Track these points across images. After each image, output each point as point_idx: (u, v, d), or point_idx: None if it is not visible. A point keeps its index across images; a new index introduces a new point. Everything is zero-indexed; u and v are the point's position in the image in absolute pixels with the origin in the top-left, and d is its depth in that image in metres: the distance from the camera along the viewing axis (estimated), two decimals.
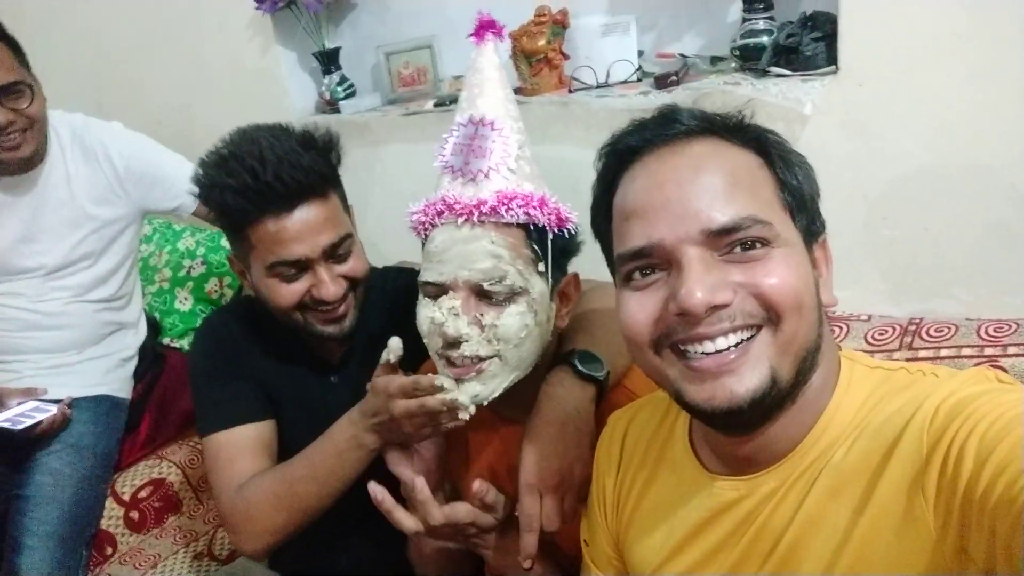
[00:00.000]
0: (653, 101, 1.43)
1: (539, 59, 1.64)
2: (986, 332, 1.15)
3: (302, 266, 1.13)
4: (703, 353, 0.66)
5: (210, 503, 1.88)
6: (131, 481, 1.80)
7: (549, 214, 0.94)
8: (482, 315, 0.92)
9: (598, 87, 1.57)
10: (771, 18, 1.38)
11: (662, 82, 1.45)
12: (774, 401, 0.66)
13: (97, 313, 1.82)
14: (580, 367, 0.98)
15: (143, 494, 1.80)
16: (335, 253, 1.15)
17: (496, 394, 0.96)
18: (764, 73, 1.35)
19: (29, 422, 1.60)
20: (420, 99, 1.89)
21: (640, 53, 1.59)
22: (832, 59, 1.28)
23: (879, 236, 1.31)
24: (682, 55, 1.55)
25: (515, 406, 1.03)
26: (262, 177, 1.07)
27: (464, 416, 0.95)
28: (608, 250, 0.77)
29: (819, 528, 0.67)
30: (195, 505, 1.88)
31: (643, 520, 0.84)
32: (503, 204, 0.92)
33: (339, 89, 2.01)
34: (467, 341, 0.92)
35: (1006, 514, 0.53)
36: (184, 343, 2.10)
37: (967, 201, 1.23)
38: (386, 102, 1.97)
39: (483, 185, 0.94)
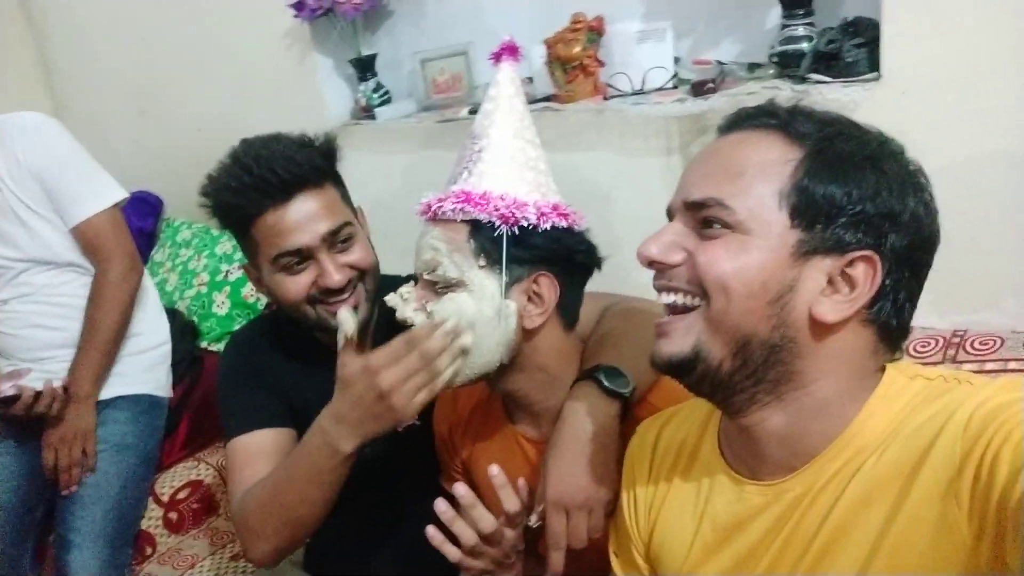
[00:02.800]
0: (689, 108, 1.42)
1: (574, 66, 1.64)
2: None
3: (304, 255, 1.16)
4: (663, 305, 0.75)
5: None
6: (170, 482, 1.84)
7: (495, 211, 0.95)
8: (427, 303, 0.99)
9: (633, 94, 1.56)
10: (811, 24, 1.36)
11: (698, 89, 1.43)
12: (713, 378, 0.72)
13: None
14: (605, 382, 0.97)
15: (182, 495, 1.84)
16: (336, 241, 1.18)
17: (456, 383, 0.99)
18: (803, 80, 1.33)
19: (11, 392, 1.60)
20: (455, 106, 1.90)
21: (676, 60, 1.57)
22: (874, 65, 1.26)
23: None
24: (719, 62, 1.53)
25: (539, 426, 1.03)
26: (255, 172, 1.12)
27: (467, 341, 0.95)
28: None
29: (850, 535, 0.67)
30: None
31: (674, 524, 0.84)
32: (440, 202, 0.99)
33: (374, 96, 2.02)
34: (412, 325, 0.98)
35: None
36: (221, 347, 2.13)
37: (1013, 211, 1.20)
38: (421, 109, 1.98)
39: (450, 188, 1.01)
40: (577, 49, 1.61)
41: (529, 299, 0.99)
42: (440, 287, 0.98)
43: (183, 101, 2.47)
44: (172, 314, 2.15)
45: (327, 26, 2.00)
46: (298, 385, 1.29)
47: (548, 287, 0.99)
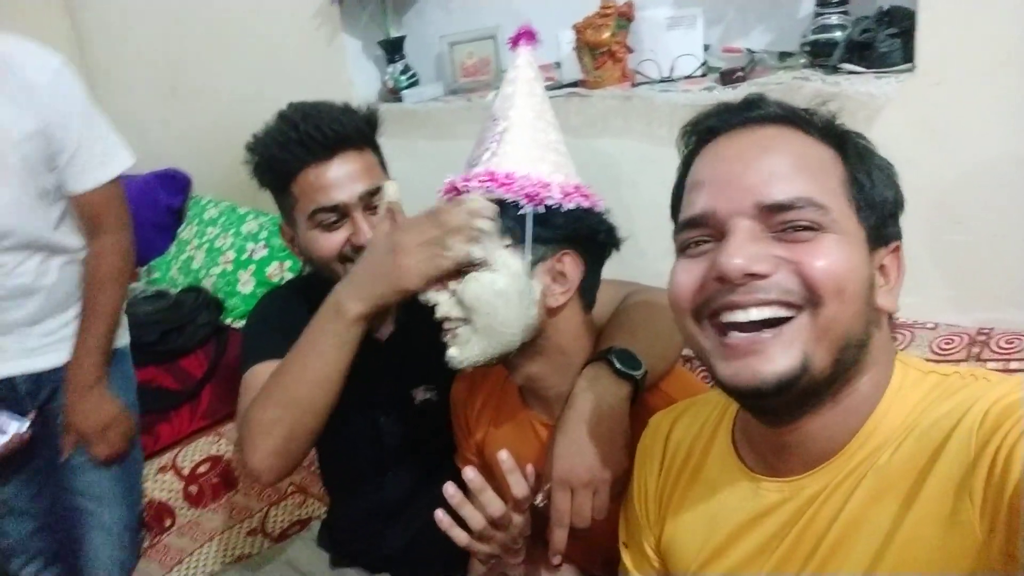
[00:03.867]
0: (717, 97, 1.40)
1: (603, 52, 1.62)
2: None
3: (341, 212, 1.19)
4: (734, 323, 0.67)
5: None
6: (191, 456, 1.86)
7: (520, 190, 0.96)
8: (451, 282, 0.98)
9: (661, 81, 1.55)
10: (845, 13, 1.33)
11: (727, 77, 1.42)
12: (806, 390, 0.66)
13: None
14: (617, 364, 0.97)
15: (202, 469, 1.86)
16: (371, 203, 1.21)
17: (478, 361, 0.99)
18: (835, 70, 1.31)
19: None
20: (482, 89, 1.89)
21: (706, 47, 1.55)
22: (908, 56, 1.23)
23: (947, 241, 1.26)
24: (749, 50, 1.51)
25: (552, 411, 1.04)
26: (302, 128, 1.17)
27: (485, 225, 0.94)
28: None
29: (861, 529, 0.66)
30: (249, 483, 1.93)
31: (685, 520, 0.83)
32: (466, 182, 0.99)
33: (402, 78, 2.02)
34: (437, 304, 0.98)
35: None
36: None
37: None
38: (448, 92, 1.98)
39: (472, 169, 1.01)
40: (606, 35, 1.60)
41: (553, 278, 0.99)
42: (464, 267, 0.98)
43: (213, 80, 2.49)
44: (197, 291, 2.19)
45: (357, 7, 2.01)
46: None
47: (572, 265, 1.00)
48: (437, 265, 0.97)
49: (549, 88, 1.73)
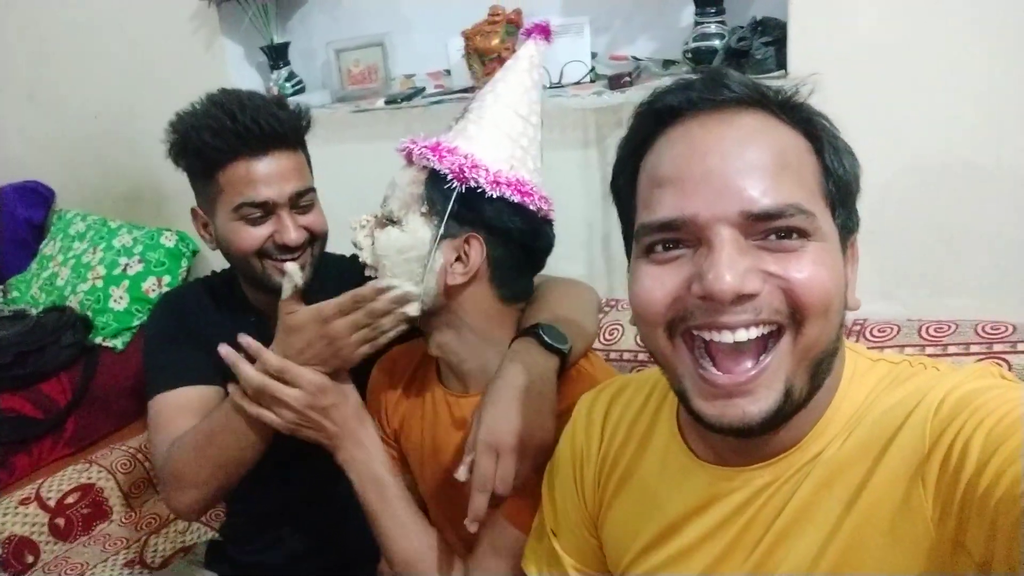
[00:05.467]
0: (608, 100, 1.44)
1: (492, 58, 1.63)
2: (927, 332, 1.18)
3: (268, 209, 1.17)
4: (713, 342, 0.62)
5: (142, 509, 1.81)
6: (58, 486, 1.72)
7: (451, 165, 0.98)
8: (374, 230, 1.05)
9: (551, 87, 1.57)
10: (722, 22, 1.40)
11: (616, 82, 1.45)
12: (787, 414, 0.63)
13: None
14: (546, 338, 0.99)
15: (70, 499, 1.72)
16: (299, 203, 1.20)
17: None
18: None
19: None
20: (370, 97, 1.86)
21: (593, 55, 1.59)
22: (782, 63, 1.30)
23: None
24: (635, 57, 1.56)
25: (466, 386, 1.07)
26: (240, 119, 1.13)
27: (413, 311, 1.00)
28: (626, 216, 0.72)
29: (809, 518, 0.65)
30: (126, 512, 1.80)
31: (625, 505, 0.80)
32: (414, 145, 1.02)
33: (287, 85, 1.97)
34: (359, 248, 1.05)
35: (1009, 511, 0.52)
36: (118, 342, 2.02)
37: (910, 204, 1.27)
38: (335, 100, 1.94)
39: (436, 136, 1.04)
40: (495, 41, 1.61)
41: (458, 257, 1.00)
42: (383, 219, 1.03)
43: (78, 86, 2.34)
44: (61, 310, 2.04)
45: (237, 11, 1.94)
46: (232, 345, 1.26)
47: (476, 250, 1.00)
48: (376, 345, 1.03)
49: (439, 94, 1.74)
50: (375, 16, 1.89)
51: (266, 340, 1.08)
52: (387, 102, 1.78)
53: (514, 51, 1.63)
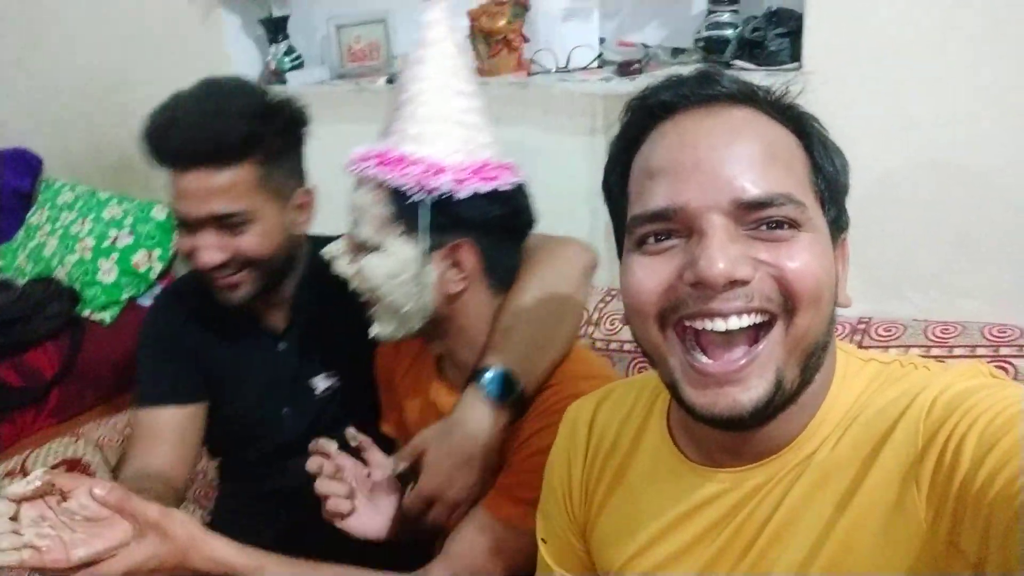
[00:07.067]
0: (616, 88, 1.42)
1: (498, 40, 1.60)
2: (933, 333, 1.17)
3: (190, 225, 1.12)
4: (706, 331, 0.62)
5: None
6: (43, 459, 1.68)
7: (410, 177, 0.92)
8: (354, 258, 0.99)
9: (557, 71, 1.55)
10: (736, 11, 1.38)
11: (625, 69, 1.43)
12: (777, 405, 0.63)
13: None
14: (490, 392, 0.94)
15: None
16: (227, 223, 1.12)
17: (394, 335, 1.01)
18: (727, 67, 1.35)
19: None
20: (371, 75, 1.83)
21: (601, 41, 1.57)
22: (796, 55, 1.29)
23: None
24: (644, 44, 1.53)
25: (460, 376, 1.03)
26: (165, 131, 1.10)
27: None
28: (617, 214, 0.71)
29: (802, 519, 0.65)
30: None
31: (615, 510, 0.80)
32: (363, 162, 0.96)
33: (285, 59, 1.93)
34: (346, 276, 1.01)
35: (1003, 510, 0.52)
36: (106, 315, 1.99)
37: (925, 203, 1.25)
38: (335, 76, 1.91)
39: (377, 144, 0.99)
40: (502, 22, 1.58)
41: (450, 266, 0.97)
42: (359, 246, 0.97)
43: (69, 52, 2.28)
44: (47, 281, 2.01)
45: None
46: (221, 348, 1.28)
47: (468, 254, 0.96)
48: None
49: None
50: None
51: (264, 346, 1.10)
52: (389, 81, 1.75)
53: (521, 34, 1.62)
